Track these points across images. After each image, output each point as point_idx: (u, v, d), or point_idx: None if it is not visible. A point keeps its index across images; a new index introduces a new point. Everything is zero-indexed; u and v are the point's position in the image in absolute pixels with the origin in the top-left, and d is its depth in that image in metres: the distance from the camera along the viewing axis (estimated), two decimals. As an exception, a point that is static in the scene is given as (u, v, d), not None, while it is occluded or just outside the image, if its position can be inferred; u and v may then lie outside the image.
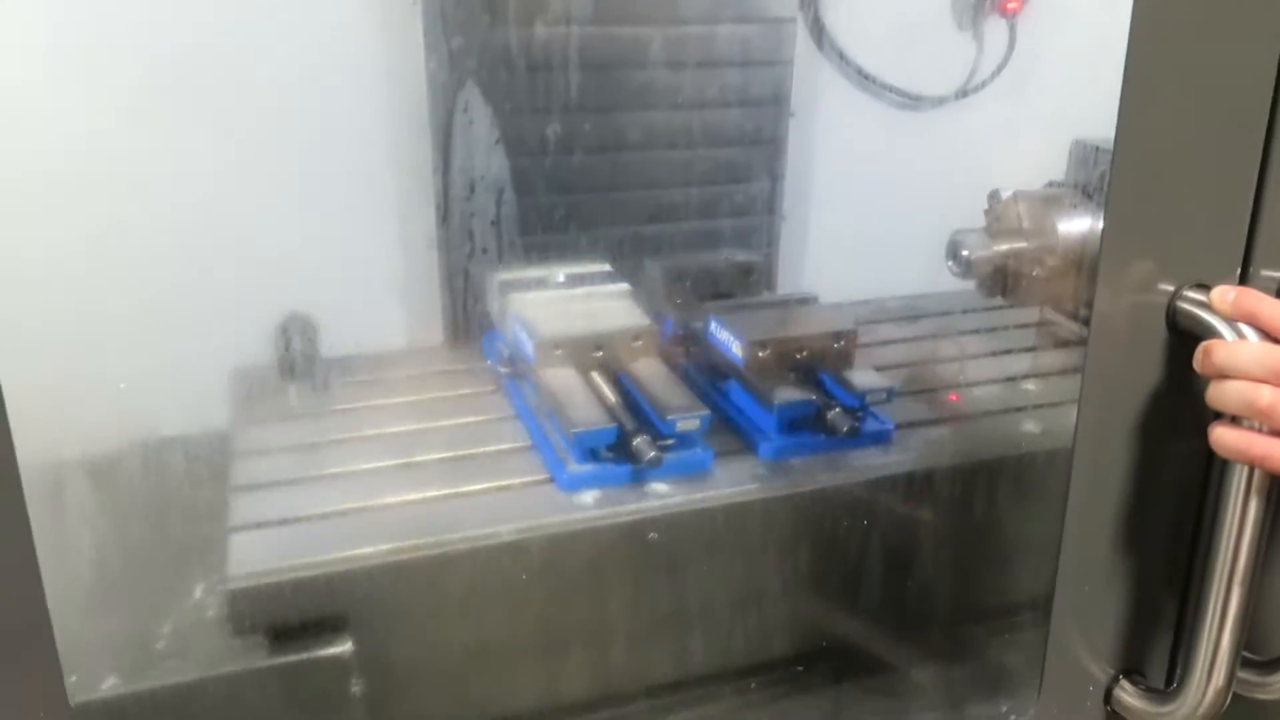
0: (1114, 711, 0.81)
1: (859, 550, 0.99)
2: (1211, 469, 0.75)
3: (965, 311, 1.32)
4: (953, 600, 1.05)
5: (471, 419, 1.08)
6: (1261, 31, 0.68)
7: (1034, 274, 1.14)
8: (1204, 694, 0.73)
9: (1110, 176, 0.70)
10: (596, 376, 1.03)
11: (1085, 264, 1.12)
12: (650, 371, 1.05)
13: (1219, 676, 0.72)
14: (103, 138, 1.04)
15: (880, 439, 1.05)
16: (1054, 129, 1.40)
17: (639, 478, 0.96)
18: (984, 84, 1.43)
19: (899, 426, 1.07)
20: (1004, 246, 1.16)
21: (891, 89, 1.43)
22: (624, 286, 1.12)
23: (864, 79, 1.42)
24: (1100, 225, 1.07)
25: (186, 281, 1.06)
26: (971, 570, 1.05)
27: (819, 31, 1.39)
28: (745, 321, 1.15)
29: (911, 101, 1.45)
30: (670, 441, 0.97)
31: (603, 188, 1.29)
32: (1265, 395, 0.64)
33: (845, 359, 1.11)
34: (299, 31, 1.12)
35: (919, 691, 1.04)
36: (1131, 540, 0.77)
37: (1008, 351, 1.30)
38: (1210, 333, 0.68)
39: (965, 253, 1.14)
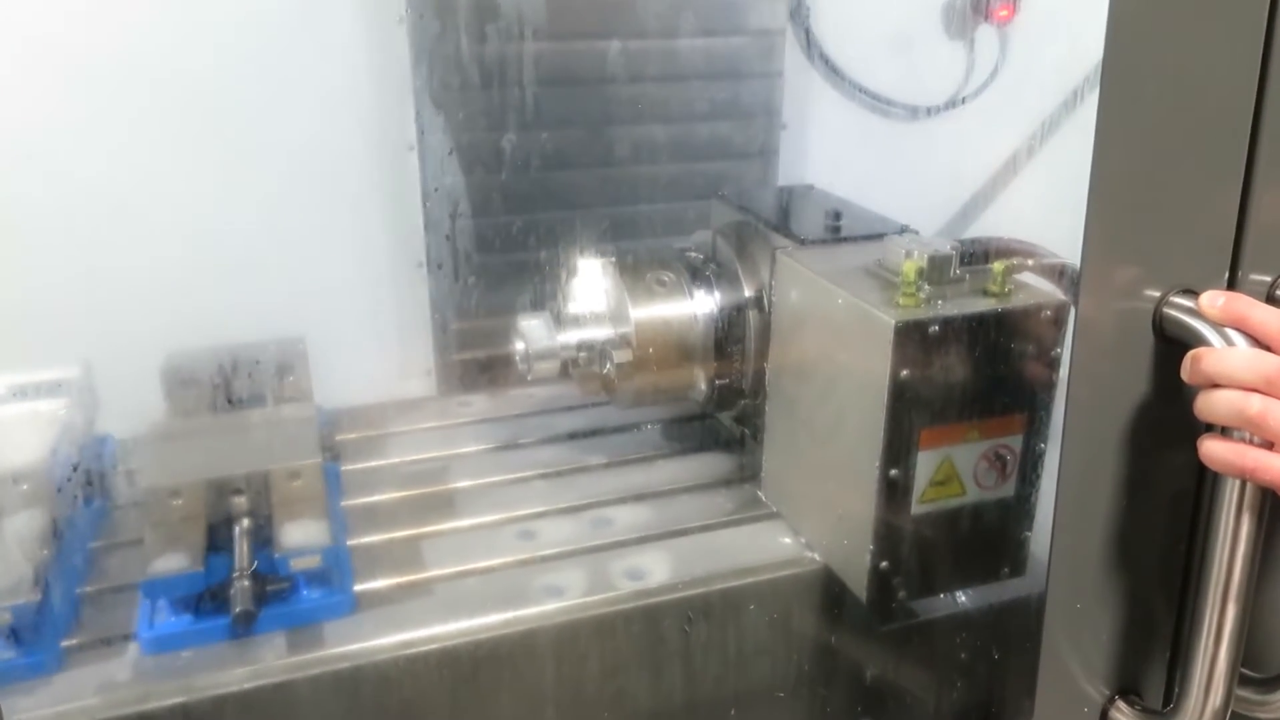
0: (1111, 733, 0.78)
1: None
2: (1204, 480, 0.73)
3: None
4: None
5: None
6: (1244, 26, 0.66)
7: (606, 371, 1.00)
8: (1201, 714, 0.70)
9: (1091, 177, 0.68)
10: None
11: (680, 355, 1.00)
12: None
13: (1216, 696, 0.70)
14: (98, 167, 1.04)
15: (318, 614, 0.85)
16: (1049, 138, 1.38)
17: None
18: (976, 93, 1.41)
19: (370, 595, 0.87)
20: (573, 337, 1.01)
21: (884, 99, 1.42)
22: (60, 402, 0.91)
23: (856, 90, 1.40)
24: (691, 308, 0.99)
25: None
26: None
27: (809, 42, 1.38)
28: (172, 449, 0.91)
29: (905, 111, 1.43)
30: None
31: (586, 204, 1.28)
32: (1255, 404, 0.62)
33: (304, 504, 0.87)
34: (291, 51, 1.12)
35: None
36: (1123, 555, 0.74)
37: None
38: (1198, 340, 0.66)
39: (521, 345, 1.00)
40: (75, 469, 0.93)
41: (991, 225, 1.41)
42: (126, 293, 1.06)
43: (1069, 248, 0.94)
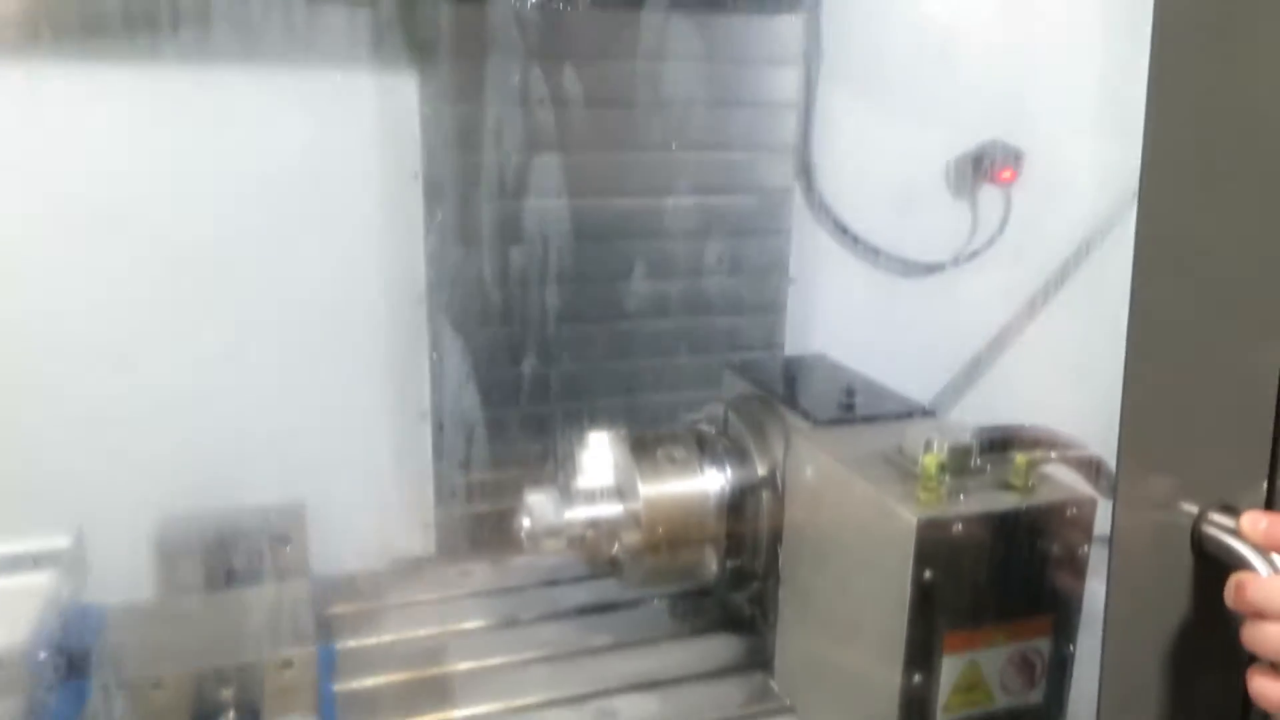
0: None
1: None
2: (1251, 705, 0.69)
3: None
4: None
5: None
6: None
7: (614, 551, 0.96)
8: None
9: (1123, 381, 0.66)
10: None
11: (691, 535, 0.96)
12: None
13: None
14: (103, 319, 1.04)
15: None
16: (1050, 298, 1.38)
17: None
18: (980, 251, 1.42)
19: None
20: (581, 514, 0.96)
21: (889, 256, 1.42)
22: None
23: (861, 246, 1.41)
24: (702, 486, 0.97)
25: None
26: None
27: (815, 200, 1.39)
28: (158, 632, 0.87)
29: (909, 268, 1.44)
30: None
31: (595, 358, 1.27)
32: (1309, 641, 0.59)
33: (296, 695, 0.85)
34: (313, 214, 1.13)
35: None
36: (1169, 786, 0.69)
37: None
38: (1241, 563, 0.63)
39: (527, 522, 0.95)
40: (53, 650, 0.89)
41: (997, 381, 1.40)
42: (123, 449, 1.04)
43: (1072, 414, 0.92)
